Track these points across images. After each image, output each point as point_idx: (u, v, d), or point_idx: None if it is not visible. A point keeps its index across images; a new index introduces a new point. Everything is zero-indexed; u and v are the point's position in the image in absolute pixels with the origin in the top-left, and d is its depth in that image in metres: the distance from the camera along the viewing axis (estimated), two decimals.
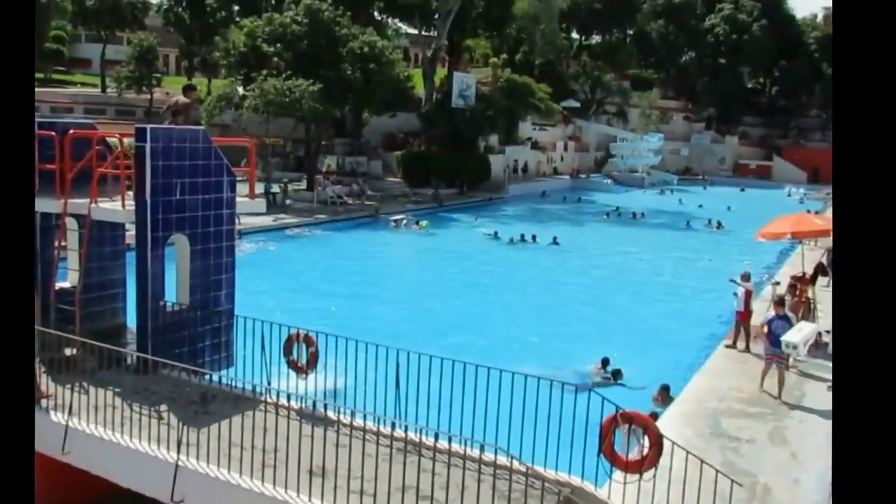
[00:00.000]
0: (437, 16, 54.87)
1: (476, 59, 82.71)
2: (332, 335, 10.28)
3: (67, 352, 10.75)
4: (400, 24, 63.65)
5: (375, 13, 56.40)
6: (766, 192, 67.71)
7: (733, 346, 15.95)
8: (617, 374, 16.05)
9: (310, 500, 8.09)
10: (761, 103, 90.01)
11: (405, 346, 9.54)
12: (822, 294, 18.87)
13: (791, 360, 13.39)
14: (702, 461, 7.85)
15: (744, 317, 15.93)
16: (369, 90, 43.34)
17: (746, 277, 16.40)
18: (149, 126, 11.07)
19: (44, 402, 9.72)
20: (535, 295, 25.19)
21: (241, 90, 41.22)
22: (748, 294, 15.92)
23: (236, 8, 61.42)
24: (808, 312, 16.91)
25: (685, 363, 16.73)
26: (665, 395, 13.55)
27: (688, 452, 8.08)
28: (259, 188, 37.19)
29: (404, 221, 38.02)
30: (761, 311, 16.54)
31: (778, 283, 18.96)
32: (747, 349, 15.61)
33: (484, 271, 29.02)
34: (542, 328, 20.77)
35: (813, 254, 25.15)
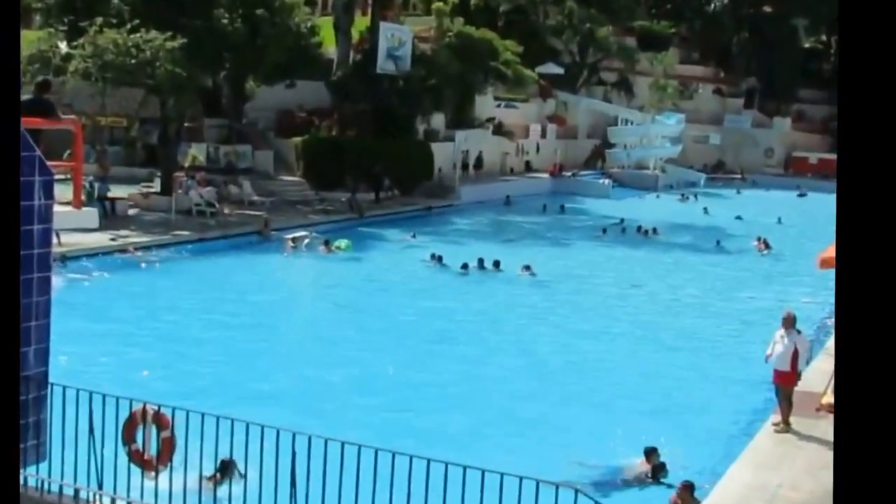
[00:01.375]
0: None
1: (413, 4, 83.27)
2: (197, 412, 10.27)
3: None
4: None
5: None
6: (833, 197, 69.10)
7: (785, 424, 16.34)
8: (658, 469, 16.13)
9: None
10: (824, 71, 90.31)
11: (308, 426, 9.52)
12: None
13: None
14: None
15: (787, 379, 16.29)
16: (255, 47, 43.36)
17: (791, 322, 16.71)
18: None
19: None
20: (498, 349, 25.35)
21: (63, 46, 40.85)
22: (795, 347, 16.29)
23: None
24: None
25: (718, 448, 16.91)
26: (688, 497, 13.79)
27: None
28: (90, 191, 37.13)
29: (307, 241, 38.00)
30: (824, 369, 16.78)
31: None
32: (786, 424, 16.04)
33: (426, 314, 29.17)
34: (511, 401, 20.91)
35: None
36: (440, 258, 36.14)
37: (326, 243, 37.80)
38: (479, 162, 63.17)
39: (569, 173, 70.16)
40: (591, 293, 33.78)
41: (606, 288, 34.52)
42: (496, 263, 35.51)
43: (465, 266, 35.05)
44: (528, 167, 69.86)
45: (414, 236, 42.35)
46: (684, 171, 76.95)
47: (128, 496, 9.85)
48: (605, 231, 47.87)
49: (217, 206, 41.79)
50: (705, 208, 59.80)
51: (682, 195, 67.98)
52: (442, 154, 56.61)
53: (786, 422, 16.31)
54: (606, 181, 69.38)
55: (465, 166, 60.54)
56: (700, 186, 74.05)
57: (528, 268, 35.37)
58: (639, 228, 48.42)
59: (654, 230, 48.35)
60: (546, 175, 68.31)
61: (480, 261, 35.52)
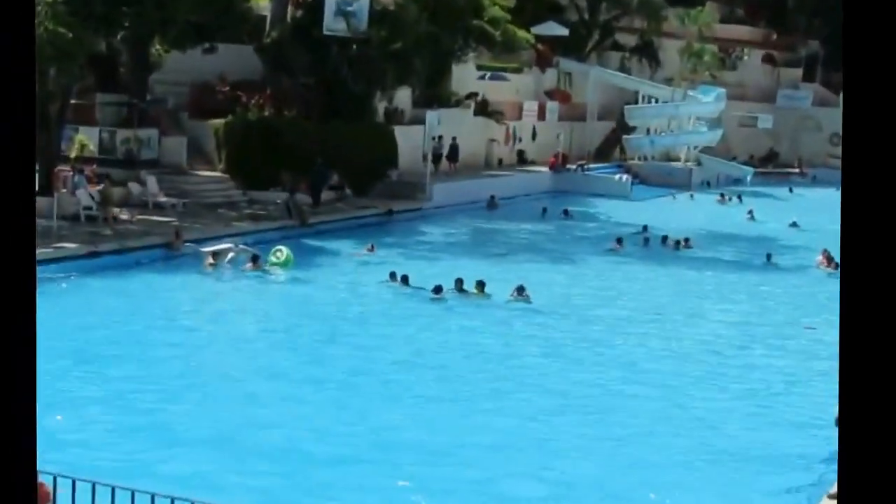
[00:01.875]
0: None
1: None
2: (87, 480, 10.64)
3: None
4: None
5: None
6: None
7: None
8: None
9: None
10: None
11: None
12: None
13: None
14: None
15: None
16: (162, 0, 43.22)
17: None
18: None
19: None
20: (482, 402, 25.10)
21: None
22: None
23: None
24: None
25: None
26: None
27: None
28: None
29: (231, 256, 37.94)
30: None
31: None
32: None
33: (386, 353, 28.98)
34: (501, 479, 20.70)
35: None
36: (405, 279, 35.90)
37: (255, 259, 37.58)
38: (455, 152, 63.05)
39: (574, 166, 70.27)
40: (606, 326, 33.55)
41: (625, 319, 34.37)
42: (480, 285, 35.24)
43: (438, 289, 34.76)
44: (522, 158, 69.91)
45: (372, 249, 42.10)
46: (725, 164, 77.15)
47: None
48: (621, 242, 47.60)
49: (114, 210, 41.43)
50: (751, 212, 59.89)
51: (723, 195, 68.26)
52: (408, 141, 56.46)
53: None
54: (624, 177, 69.67)
55: (437, 157, 60.41)
56: (746, 184, 74.26)
57: (521, 291, 35.08)
58: (665, 239, 48.46)
59: (686, 241, 48.37)
60: (545, 169, 68.53)
61: (459, 282, 35.28)
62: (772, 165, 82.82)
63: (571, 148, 72.49)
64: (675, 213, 59.04)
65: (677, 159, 75.19)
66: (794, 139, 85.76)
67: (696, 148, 75.74)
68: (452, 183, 58.52)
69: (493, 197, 58.50)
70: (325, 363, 27.89)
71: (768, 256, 45.79)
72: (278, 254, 38.02)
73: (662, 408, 25.27)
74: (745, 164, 79.51)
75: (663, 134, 75.77)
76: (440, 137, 60.87)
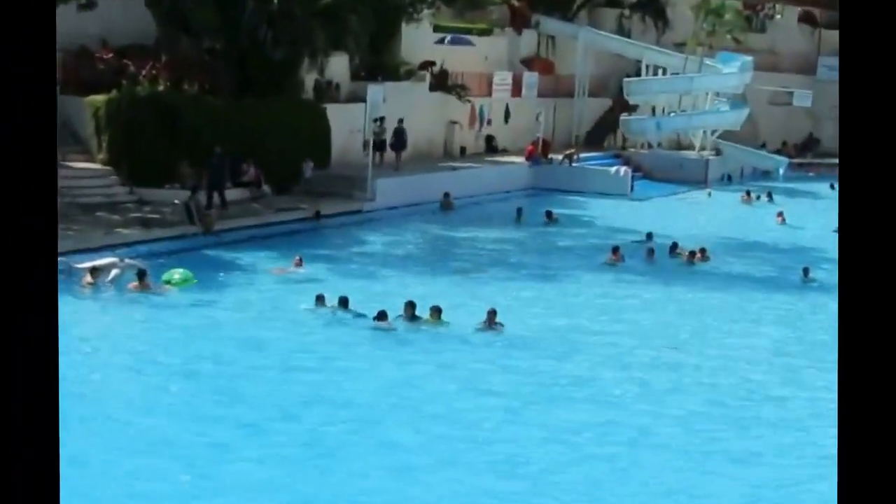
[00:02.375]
0: None
1: None
2: None
3: None
4: None
5: None
6: None
7: None
8: None
9: None
10: None
11: None
12: None
13: None
14: None
15: None
16: None
17: None
18: None
19: None
20: (439, 469, 24.94)
21: None
22: None
23: None
24: None
25: None
26: None
27: None
28: None
29: (115, 274, 37.99)
30: None
31: None
32: None
33: (314, 397, 28.86)
34: None
35: None
36: (344, 302, 35.96)
37: (143, 276, 37.66)
38: (401, 137, 62.83)
39: (560, 156, 70.32)
40: (600, 360, 33.43)
41: (624, 351, 34.33)
42: (436, 311, 35.24)
43: (382, 315, 34.75)
44: (492, 146, 70.00)
45: (300, 264, 42.10)
46: (752, 154, 77.35)
47: None
48: (618, 254, 47.50)
49: None
50: (782, 214, 60.29)
51: (748, 193, 68.53)
52: (344, 124, 56.61)
53: None
54: (623, 170, 69.54)
55: (382, 145, 60.52)
56: (778, 178, 74.43)
57: (492, 318, 35.13)
58: (674, 249, 48.65)
59: (702, 253, 48.48)
60: (521, 160, 68.67)
61: (409, 306, 35.35)
62: (811, 155, 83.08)
63: (555, 132, 72.62)
64: (687, 217, 59.27)
65: (691, 147, 75.35)
66: (838, 121, 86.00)
67: (714, 133, 75.84)
68: (401, 178, 58.62)
69: (446, 195, 58.42)
70: (230, 407, 27.83)
71: (805, 271, 46.28)
72: (172, 274, 38.23)
73: (677, 473, 25.12)
74: (776, 153, 79.74)
75: (672, 114, 75.79)
76: (381, 120, 60.50)
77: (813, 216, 60.18)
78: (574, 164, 69.64)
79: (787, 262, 48.04)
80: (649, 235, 50.46)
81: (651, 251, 48.69)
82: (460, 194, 58.64)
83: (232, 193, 50.25)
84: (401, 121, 62.40)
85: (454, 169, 63.37)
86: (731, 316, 40.03)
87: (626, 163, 71.22)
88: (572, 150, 71.44)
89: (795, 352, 35.67)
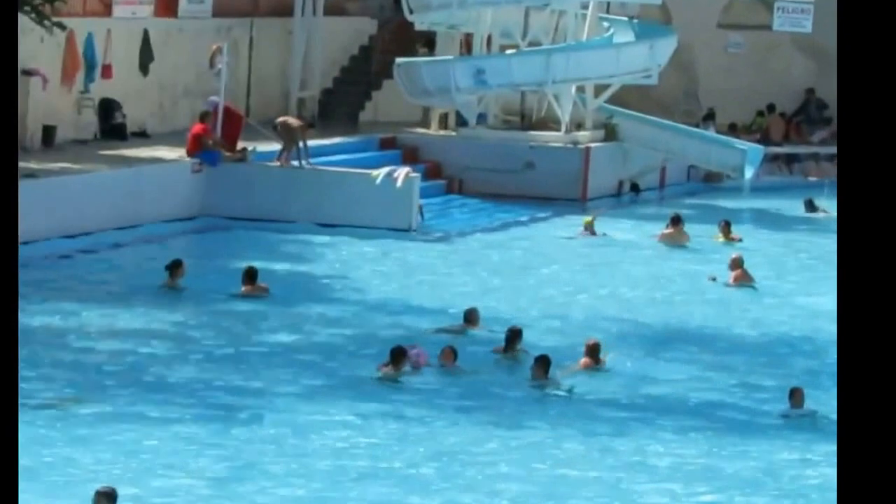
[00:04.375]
0: None
1: None
2: None
3: None
4: None
5: None
6: None
7: None
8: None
9: None
10: None
11: None
12: None
13: None
14: None
15: None
16: None
17: None
18: None
19: None
20: None
21: None
22: None
23: None
24: None
25: None
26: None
27: None
28: None
29: None
30: None
31: None
32: None
33: None
34: None
35: None
36: None
37: None
38: None
39: (286, 154, 44.41)
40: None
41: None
42: None
43: None
44: (113, 124, 46.11)
45: None
46: (687, 136, 52.76)
47: None
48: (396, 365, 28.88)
49: None
50: (715, 278, 38.45)
51: (675, 222, 44.13)
52: None
53: None
54: (401, 173, 43.64)
55: None
56: (743, 187, 51.62)
57: None
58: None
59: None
60: (179, 154, 44.29)
61: None
62: (812, 133, 58.90)
63: (251, 94, 51.18)
64: (534, 289, 37.17)
65: (554, 122, 50.35)
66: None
67: (602, 92, 51.16)
68: None
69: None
70: None
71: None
72: None
73: None
74: (739, 134, 55.71)
75: (511, 53, 51.03)
76: None
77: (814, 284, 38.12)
78: (305, 164, 44.93)
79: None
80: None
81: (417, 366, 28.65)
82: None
83: None
84: None
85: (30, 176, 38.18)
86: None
87: (409, 158, 48.29)
88: (297, 125, 46.47)
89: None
